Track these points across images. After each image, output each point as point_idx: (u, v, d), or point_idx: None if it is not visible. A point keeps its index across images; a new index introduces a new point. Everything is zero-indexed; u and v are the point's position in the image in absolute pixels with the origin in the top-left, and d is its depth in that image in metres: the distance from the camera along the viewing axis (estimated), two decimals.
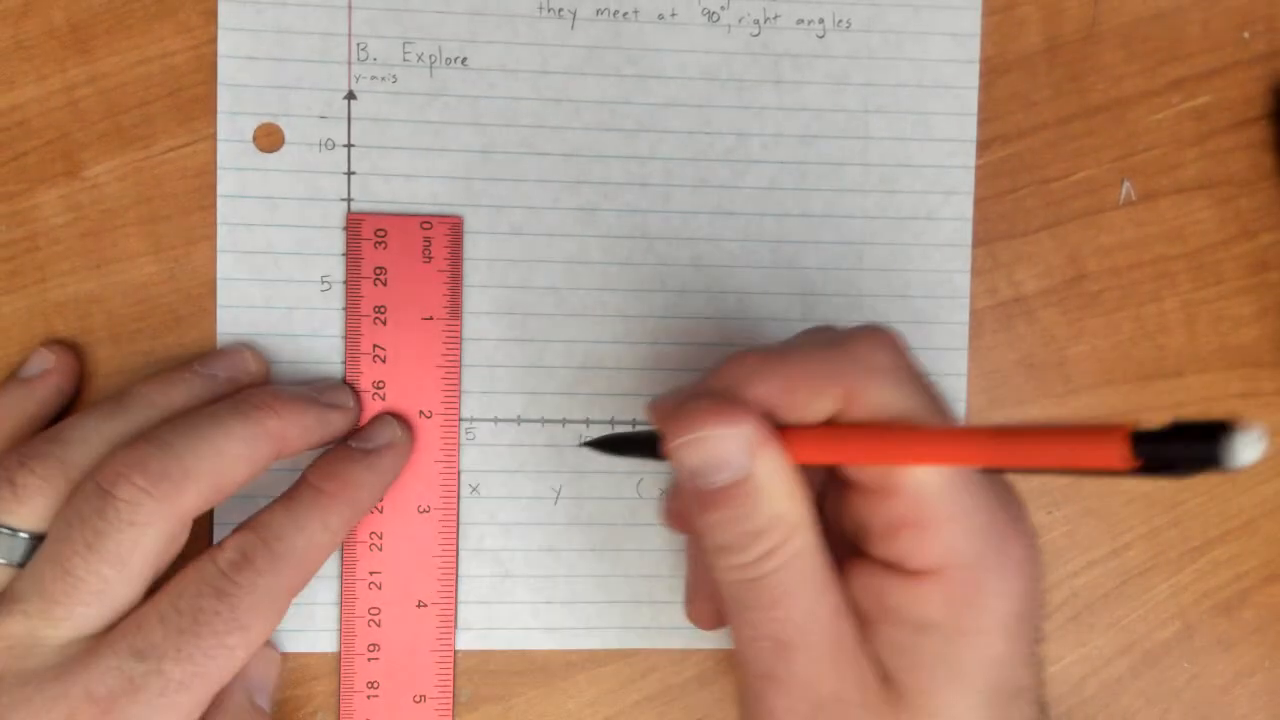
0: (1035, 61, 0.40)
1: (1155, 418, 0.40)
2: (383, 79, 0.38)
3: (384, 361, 0.38)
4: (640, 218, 0.39)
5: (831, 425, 0.29)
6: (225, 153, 0.38)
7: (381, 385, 0.38)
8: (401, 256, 0.38)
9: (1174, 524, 0.41)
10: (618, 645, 0.40)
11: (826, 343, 0.30)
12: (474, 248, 0.39)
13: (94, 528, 0.31)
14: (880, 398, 0.29)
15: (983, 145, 0.40)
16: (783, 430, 0.29)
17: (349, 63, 0.38)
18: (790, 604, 0.29)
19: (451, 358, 0.38)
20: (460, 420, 0.39)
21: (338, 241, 0.38)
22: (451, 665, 0.39)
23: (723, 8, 0.39)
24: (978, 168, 0.40)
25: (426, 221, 0.38)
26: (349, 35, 0.38)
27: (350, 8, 0.38)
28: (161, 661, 0.31)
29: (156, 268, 0.38)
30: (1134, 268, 0.41)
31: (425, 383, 0.38)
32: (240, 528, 0.34)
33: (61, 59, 0.38)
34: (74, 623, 0.31)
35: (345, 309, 0.38)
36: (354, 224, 0.38)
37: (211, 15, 0.38)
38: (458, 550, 0.39)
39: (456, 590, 0.39)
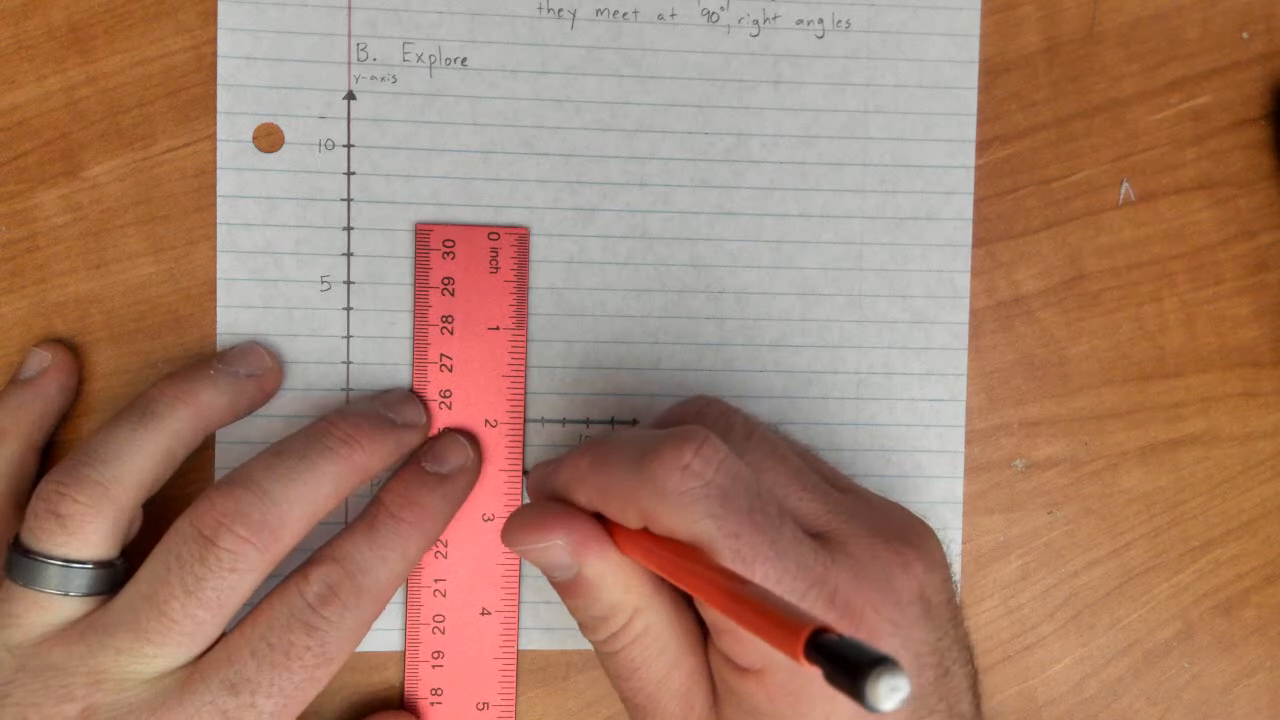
0: (1034, 62, 0.40)
1: (1154, 418, 0.41)
2: (382, 79, 0.38)
3: (451, 371, 0.38)
4: (640, 218, 0.39)
5: (645, 534, 0.31)
6: (225, 153, 0.38)
7: (448, 394, 0.38)
8: (469, 267, 0.38)
9: (1174, 524, 0.41)
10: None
11: (635, 458, 0.30)
12: None
13: (195, 574, 0.32)
14: (668, 522, 0.30)
15: (982, 145, 0.40)
16: (620, 529, 0.31)
17: (349, 63, 0.38)
18: (642, 675, 0.32)
19: (517, 368, 0.39)
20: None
21: (338, 241, 0.38)
22: (514, 673, 0.39)
23: (722, 8, 0.39)
24: (977, 168, 0.40)
25: (494, 232, 0.38)
26: (349, 35, 0.38)
27: (350, 8, 0.38)
28: (255, 695, 0.32)
29: (156, 268, 0.38)
30: (1133, 268, 0.41)
31: (491, 392, 0.38)
32: (323, 558, 0.34)
33: (61, 59, 0.38)
34: (164, 660, 0.32)
35: (413, 318, 0.38)
36: (423, 234, 0.38)
37: (210, 15, 0.38)
38: (522, 559, 0.39)
39: (520, 598, 0.39)
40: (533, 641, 0.40)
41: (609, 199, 0.39)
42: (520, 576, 0.39)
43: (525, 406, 0.39)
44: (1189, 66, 0.41)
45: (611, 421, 0.39)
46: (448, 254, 0.38)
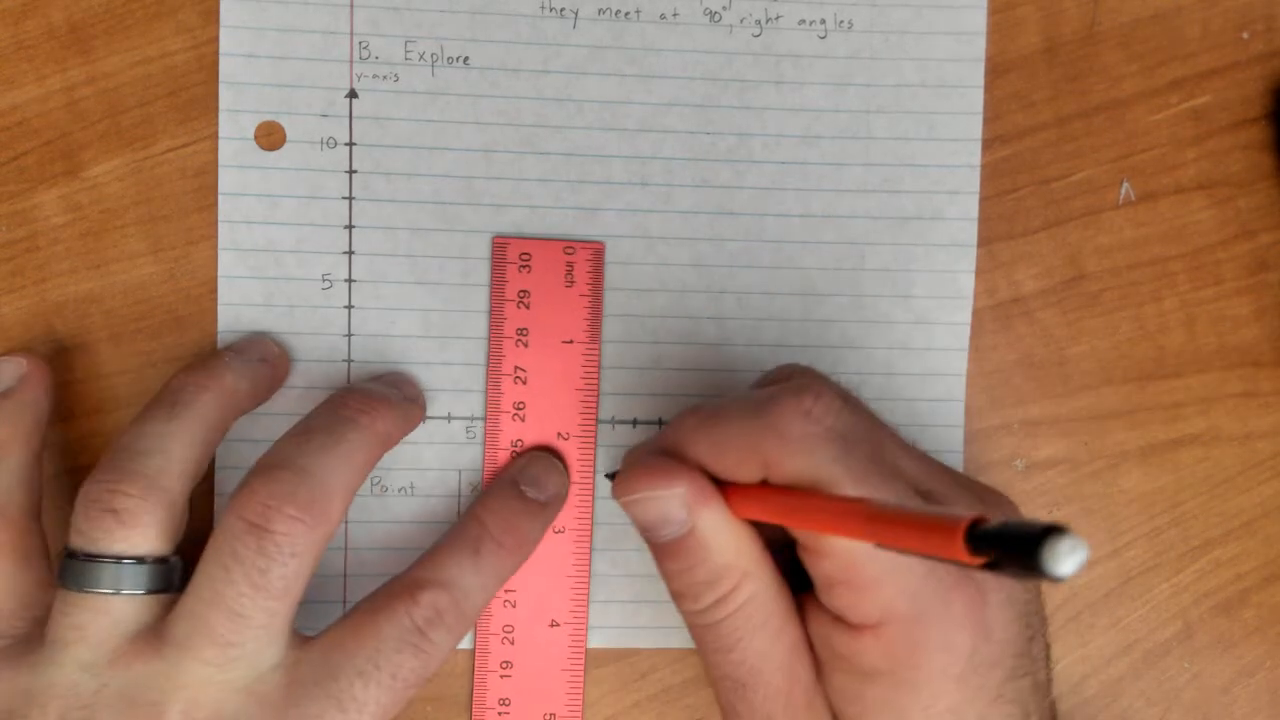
0: (1035, 61, 0.40)
1: (1154, 418, 0.41)
2: (384, 78, 0.38)
3: (525, 383, 0.38)
4: (641, 217, 0.39)
5: (762, 487, 0.31)
6: (226, 151, 0.38)
7: (522, 406, 0.38)
8: (544, 280, 0.38)
9: (1174, 524, 0.41)
10: (618, 645, 0.40)
11: (753, 408, 0.31)
12: (473, 247, 0.39)
13: (257, 566, 0.31)
14: (793, 466, 0.30)
15: (983, 145, 0.40)
16: (728, 487, 0.31)
17: (351, 61, 0.38)
18: (744, 647, 0.32)
19: (590, 381, 0.39)
20: (474, 419, 0.39)
21: (339, 240, 0.38)
22: (582, 685, 0.39)
23: (724, 8, 0.39)
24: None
25: (569, 247, 0.38)
26: (351, 34, 0.38)
27: (352, 6, 0.38)
28: (361, 714, 0.31)
29: (156, 268, 0.38)
30: (1133, 268, 0.41)
31: (564, 405, 0.39)
32: (430, 582, 0.34)
33: (61, 59, 0.38)
34: (246, 661, 0.31)
35: (489, 331, 0.39)
36: (499, 247, 0.38)
37: (211, 15, 0.38)
38: (591, 571, 0.39)
39: (589, 610, 0.39)
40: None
41: (610, 198, 0.39)
42: (589, 593, 0.39)
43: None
44: (1189, 66, 0.41)
45: (611, 421, 0.39)
46: (524, 267, 0.38)
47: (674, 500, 0.31)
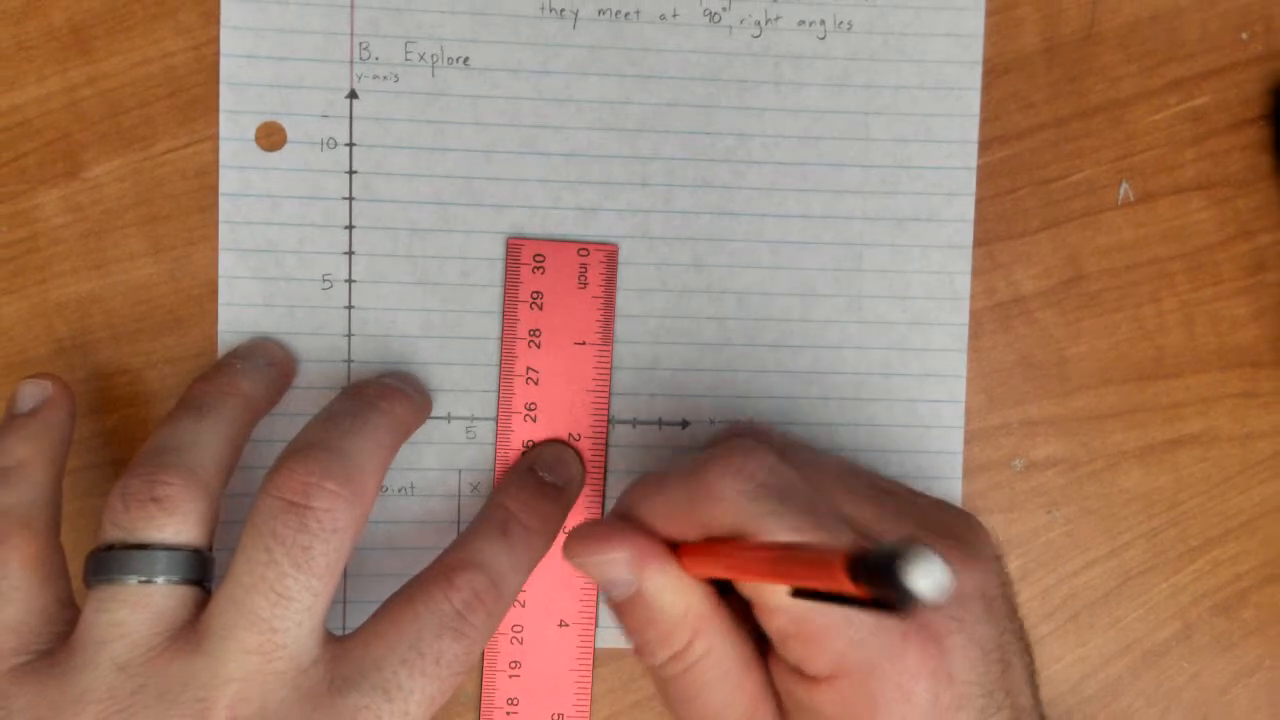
0: (1033, 62, 0.40)
1: (1154, 418, 0.41)
2: (385, 78, 0.38)
3: (537, 384, 0.39)
4: (641, 218, 0.39)
5: (706, 543, 0.31)
6: (227, 151, 0.38)
7: (533, 407, 0.39)
8: (558, 282, 0.38)
9: (1174, 524, 0.42)
10: (618, 645, 0.40)
11: (689, 471, 0.31)
12: (474, 247, 0.39)
13: (300, 544, 0.30)
14: (727, 523, 0.30)
15: (982, 146, 0.40)
16: (681, 547, 0.32)
17: (351, 62, 0.38)
18: (704, 699, 0.32)
19: (602, 383, 0.39)
20: (474, 419, 0.39)
21: (339, 240, 0.38)
22: (590, 685, 0.39)
23: (724, 8, 0.39)
24: (977, 168, 0.40)
25: (583, 248, 0.39)
26: (351, 34, 0.38)
27: (352, 7, 0.38)
28: (407, 703, 0.31)
29: (156, 268, 0.38)
30: (1132, 268, 0.41)
31: (576, 406, 0.39)
32: (465, 564, 0.33)
33: (61, 59, 0.38)
34: (289, 651, 0.31)
35: (501, 332, 0.39)
36: (514, 249, 0.38)
37: (211, 16, 0.38)
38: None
39: (598, 611, 0.39)
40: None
41: (610, 198, 0.39)
42: (599, 594, 0.39)
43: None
44: (1188, 67, 0.41)
45: (611, 421, 0.39)
46: (537, 269, 0.38)
47: (617, 563, 0.31)
